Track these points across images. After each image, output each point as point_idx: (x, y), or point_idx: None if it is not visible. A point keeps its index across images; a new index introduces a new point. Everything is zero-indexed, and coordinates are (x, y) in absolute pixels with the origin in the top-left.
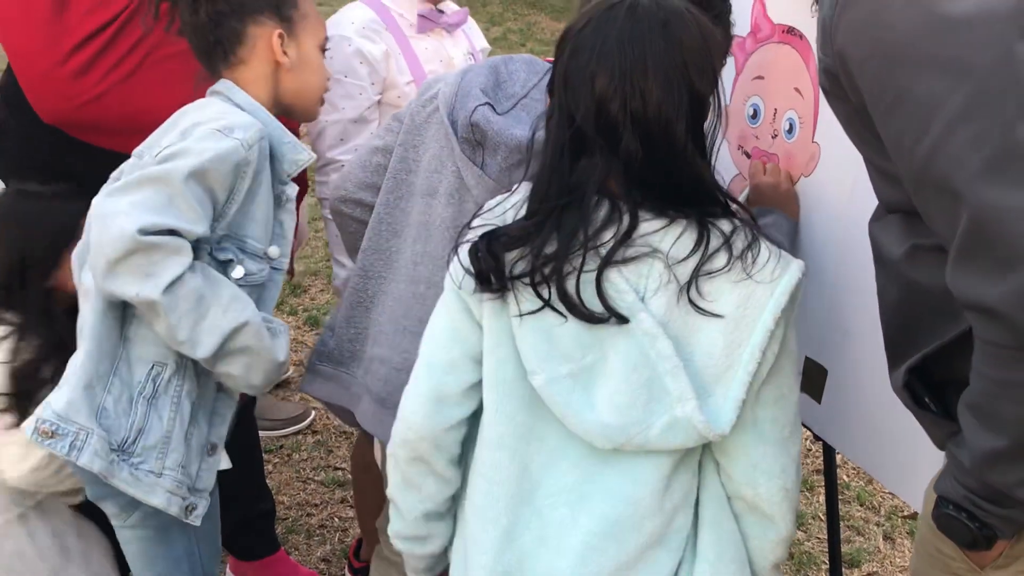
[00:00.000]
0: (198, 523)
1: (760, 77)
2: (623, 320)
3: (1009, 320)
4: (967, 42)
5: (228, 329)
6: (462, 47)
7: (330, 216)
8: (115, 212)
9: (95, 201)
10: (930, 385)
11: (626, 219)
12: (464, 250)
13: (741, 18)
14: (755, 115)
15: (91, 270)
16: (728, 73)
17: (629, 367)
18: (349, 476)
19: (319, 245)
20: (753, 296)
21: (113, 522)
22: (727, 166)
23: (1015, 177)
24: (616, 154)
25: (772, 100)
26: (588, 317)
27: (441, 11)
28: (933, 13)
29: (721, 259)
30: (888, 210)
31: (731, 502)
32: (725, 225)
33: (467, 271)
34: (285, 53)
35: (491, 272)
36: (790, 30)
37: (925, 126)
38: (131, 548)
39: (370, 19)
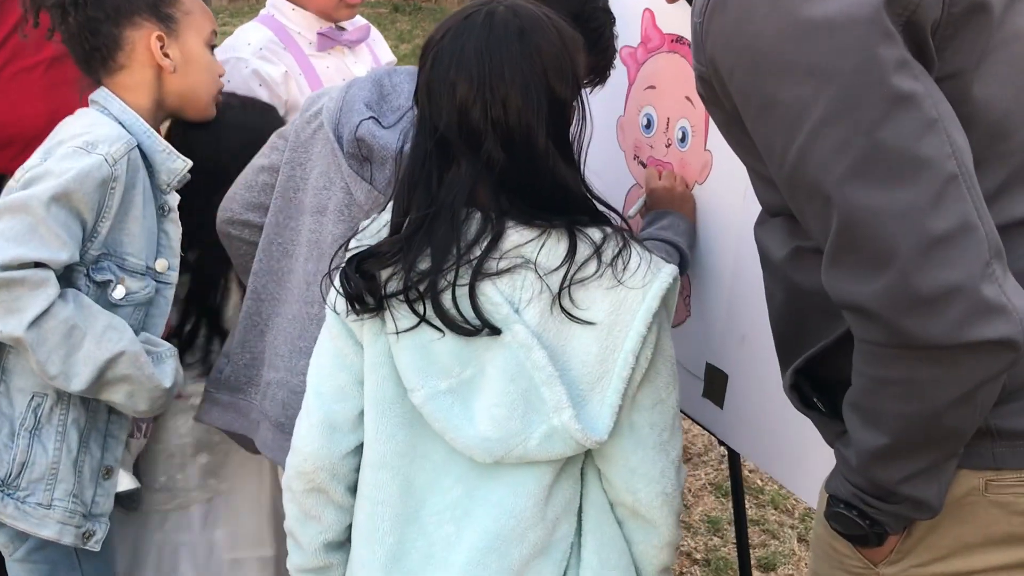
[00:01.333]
0: (98, 548)
1: (652, 87)
2: (497, 332)
3: (882, 319)
4: (829, 47)
5: (103, 360)
6: (365, 62)
7: None
8: None
9: None
10: (818, 385)
11: (493, 230)
12: (337, 274)
13: (631, 29)
14: (649, 125)
15: None
16: (621, 84)
17: (506, 379)
18: None
19: None
20: (625, 302)
21: (4, 553)
22: (624, 176)
23: (880, 178)
24: (481, 162)
25: (665, 109)
26: (464, 330)
27: (342, 28)
28: (796, 18)
29: (592, 267)
30: (770, 214)
31: (614, 508)
32: (595, 233)
33: (339, 294)
34: (167, 55)
35: (365, 292)
36: (679, 39)
37: (793, 131)
38: None
39: (267, 39)
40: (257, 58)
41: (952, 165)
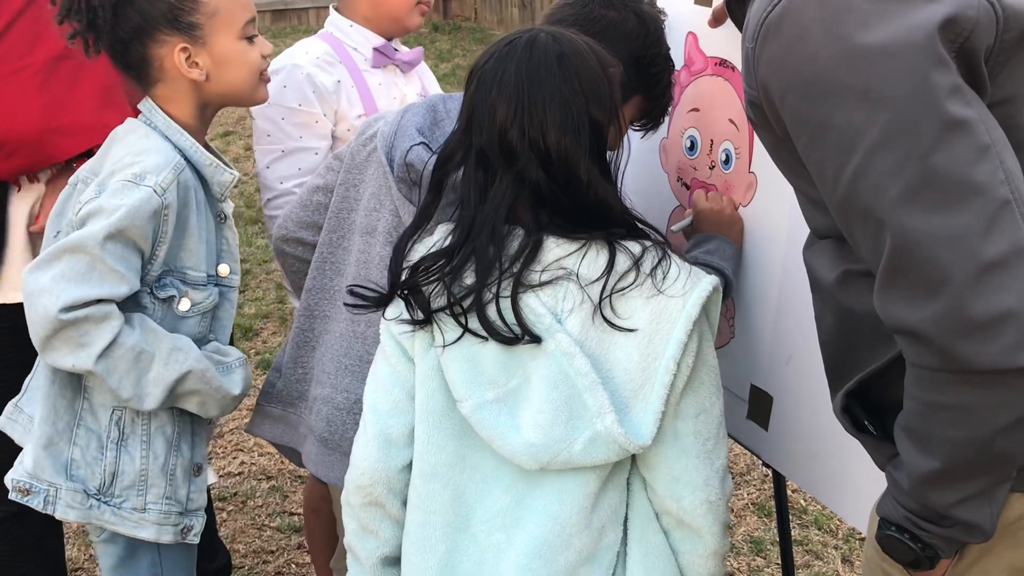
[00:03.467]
0: (197, 540)
1: (696, 109)
2: (538, 340)
3: (935, 343)
4: (884, 72)
5: (172, 380)
6: (414, 86)
7: None
8: (39, 291)
9: (24, 275)
10: (869, 408)
11: (535, 244)
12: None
13: (675, 51)
14: (692, 147)
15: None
16: None
17: (550, 386)
18: None
19: (270, 287)
20: (665, 310)
21: (91, 536)
22: (667, 197)
23: (934, 203)
24: (521, 181)
25: (708, 132)
26: (507, 339)
27: (396, 48)
28: (850, 44)
29: (631, 277)
30: (819, 236)
31: (659, 518)
32: (634, 246)
33: (396, 314)
34: (196, 64)
35: (416, 307)
36: (722, 62)
37: (847, 155)
38: (103, 563)
39: (324, 51)
40: (313, 66)
41: (1005, 190)
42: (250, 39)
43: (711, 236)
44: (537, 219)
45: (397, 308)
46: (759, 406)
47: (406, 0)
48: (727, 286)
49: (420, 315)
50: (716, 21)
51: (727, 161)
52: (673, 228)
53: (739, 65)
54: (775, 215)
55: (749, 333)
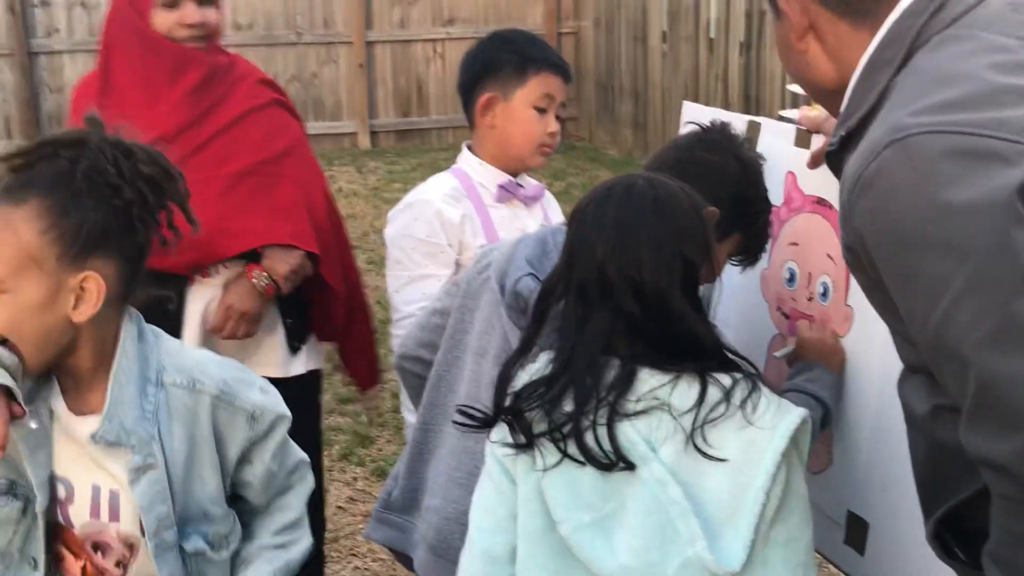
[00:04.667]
0: None
1: (794, 243)
2: (632, 467)
3: (1016, 476)
4: (968, 227)
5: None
6: (536, 218)
7: None
8: None
9: None
10: (960, 535)
11: (630, 375)
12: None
13: (775, 189)
14: (791, 279)
15: None
16: None
17: (644, 512)
18: None
19: (387, 397)
20: (755, 441)
21: None
22: (767, 326)
23: (1014, 347)
24: (617, 314)
25: (806, 265)
26: (603, 465)
27: (520, 184)
28: (937, 201)
29: (722, 408)
30: (911, 370)
31: None
32: (725, 378)
33: (501, 437)
34: None
35: (519, 431)
36: (820, 200)
37: (934, 302)
38: None
39: (452, 187)
40: (441, 201)
41: None
42: None
43: (813, 364)
44: (632, 350)
45: (501, 431)
46: (856, 532)
47: (528, 143)
48: (827, 414)
49: (522, 439)
50: (814, 163)
51: (825, 294)
52: (776, 355)
53: (836, 204)
54: (871, 347)
55: (847, 460)
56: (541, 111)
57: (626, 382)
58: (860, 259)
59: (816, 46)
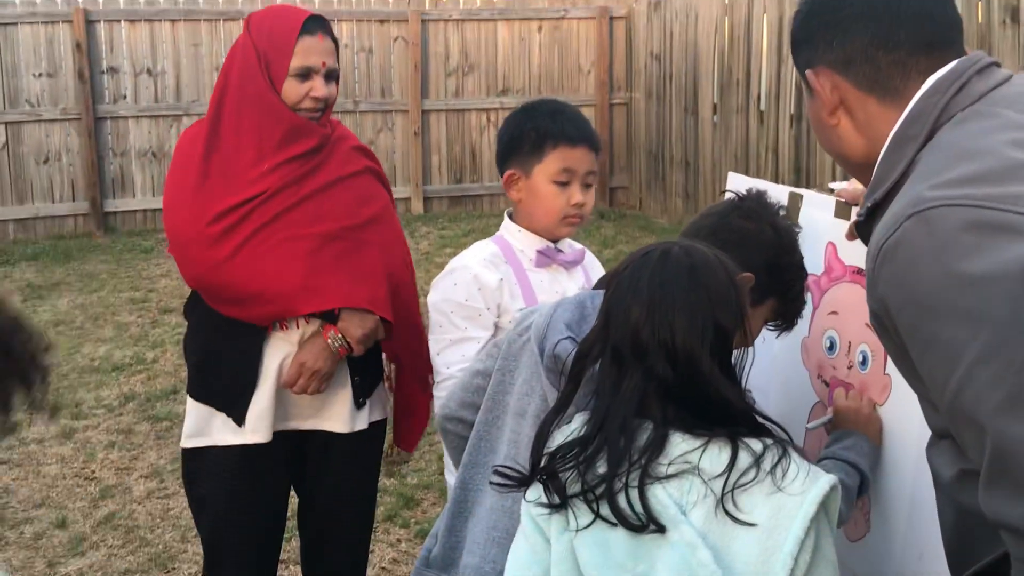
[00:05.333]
0: None
1: (835, 312)
2: (663, 529)
3: None
4: (984, 296)
5: None
6: (577, 282)
7: None
8: None
9: None
10: None
11: (662, 438)
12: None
13: (816, 259)
14: (832, 347)
15: None
16: (807, 308)
17: (674, 575)
18: None
19: (433, 458)
20: (784, 507)
21: None
22: (808, 393)
23: None
24: (650, 376)
25: (846, 334)
26: (634, 527)
27: (560, 250)
28: (955, 271)
29: (752, 474)
30: (938, 436)
31: None
32: (755, 444)
33: (536, 496)
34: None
35: (553, 491)
36: (859, 271)
37: (952, 368)
38: None
39: (492, 252)
40: (479, 266)
41: None
42: None
43: (850, 432)
44: (664, 414)
45: (537, 491)
46: None
47: (550, 217)
48: (863, 481)
49: (556, 499)
50: (852, 235)
51: (864, 362)
52: (809, 425)
53: None
54: (909, 415)
55: (885, 528)
56: (563, 184)
57: (658, 445)
58: (885, 325)
59: (847, 121)
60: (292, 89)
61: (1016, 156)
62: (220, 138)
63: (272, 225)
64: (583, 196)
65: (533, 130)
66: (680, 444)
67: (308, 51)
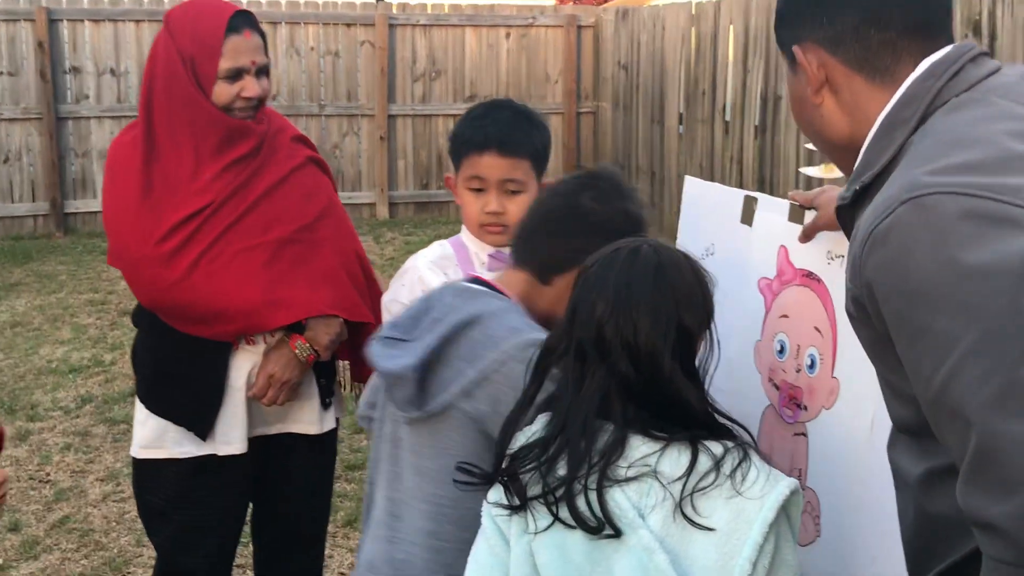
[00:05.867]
0: None
1: (785, 316)
2: (618, 533)
3: (1010, 537)
4: (981, 289)
5: None
6: None
7: None
8: None
9: None
10: None
11: (621, 440)
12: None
13: (768, 262)
14: (782, 350)
15: None
16: (759, 311)
17: None
18: None
19: None
20: (743, 511)
21: None
22: (760, 396)
23: (1017, 410)
24: (612, 374)
25: (795, 337)
26: (591, 529)
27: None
28: (953, 260)
29: (711, 477)
30: (900, 429)
31: None
32: (716, 447)
33: (497, 498)
34: None
35: (513, 493)
36: (809, 274)
37: (941, 359)
38: None
39: (442, 255)
40: (426, 268)
41: None
42: None
43: None
44: (624, 415)
45: (498, 492)
46: None
47: (470, 223)
48: None
49: (516, 501)
50: (806, 237)
51: (812, 366)
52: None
53: (823, 278)
54: (857, 418)
55: (835, 532)
56: (477, 191)
57: (618, 447)
58: (866, 311)
59: (831, 101)
60: (223, 91)
61: (1014, 147)
62: (156, 145)
63: (225, 237)
64: (498, 204)
65: (456, 135)
66: (640, 447)
67: (237, 51)
